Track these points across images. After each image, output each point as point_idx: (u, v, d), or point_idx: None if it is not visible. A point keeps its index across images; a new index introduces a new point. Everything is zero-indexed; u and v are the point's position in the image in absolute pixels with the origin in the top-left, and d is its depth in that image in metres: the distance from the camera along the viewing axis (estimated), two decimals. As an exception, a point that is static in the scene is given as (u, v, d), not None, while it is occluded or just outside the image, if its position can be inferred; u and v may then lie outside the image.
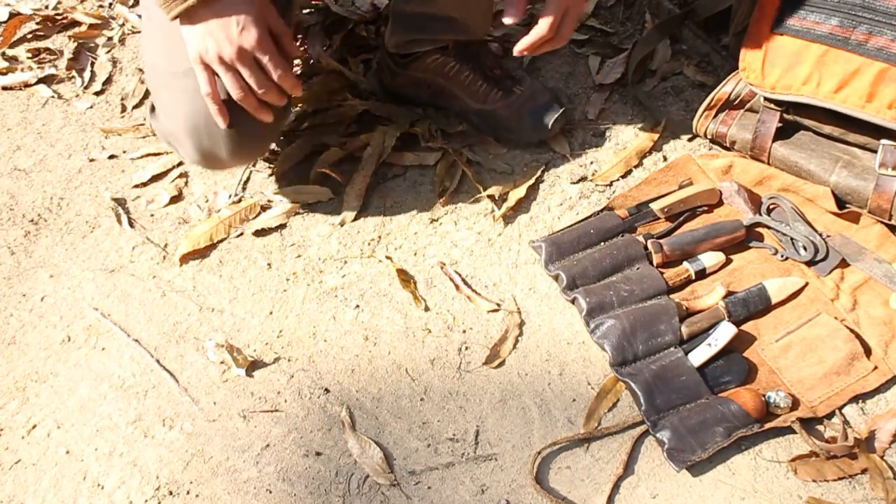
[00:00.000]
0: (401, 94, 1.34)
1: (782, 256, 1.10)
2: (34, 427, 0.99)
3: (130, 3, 1.56)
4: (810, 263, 1.09)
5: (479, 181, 1.22)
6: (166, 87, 1.05)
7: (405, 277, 1.13)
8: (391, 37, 1.26)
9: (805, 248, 1.09)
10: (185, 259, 1.16)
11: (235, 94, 0.99)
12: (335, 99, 1.33)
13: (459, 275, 1.13)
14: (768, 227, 1.13)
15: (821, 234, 1.11)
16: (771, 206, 1.15)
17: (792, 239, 1.11)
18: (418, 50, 1.25)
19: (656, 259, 1.10)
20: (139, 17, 1.53)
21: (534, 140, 1.27)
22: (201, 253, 1.17)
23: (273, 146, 1.26)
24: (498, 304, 1.10)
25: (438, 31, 1.22)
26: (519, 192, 1.21)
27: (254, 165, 1.27)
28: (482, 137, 1.29)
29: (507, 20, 1.03)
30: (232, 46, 0.96)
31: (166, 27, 1.00)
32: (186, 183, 1.27)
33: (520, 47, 1.06)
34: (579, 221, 1.16)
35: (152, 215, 1.22)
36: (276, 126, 1.10)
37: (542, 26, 1.03)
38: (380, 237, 1.18)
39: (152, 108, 1.14)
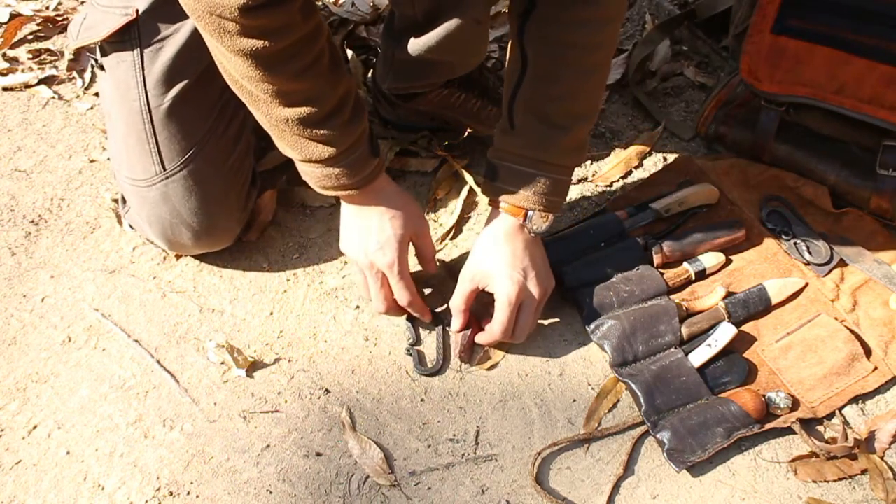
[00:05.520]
0: (402, 125, 1.27)
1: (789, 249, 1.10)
2: (35, 428, 0.99)
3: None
4: (809, 263, 1.09)
5: (480, 185, 1.22)
6: (130, 192, 1.07)
7: (405, 278, 1.13)
8: (384, 80, 1.19)
9: (810, 252, 1.09)
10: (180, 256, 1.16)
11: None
12: None
13: (460, 275, 1.13)
14: (770, 230, 1.13)
15: (820, 236, 1.11)
16: (771, 208, 1.15)
17: (795, 243, 1.11)
18: (416, 91, 1.19)
19: (656, 260, 1.10)
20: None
21: None
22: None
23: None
24: (498, 305, 1.09)
25: (434, 75, 1.15)
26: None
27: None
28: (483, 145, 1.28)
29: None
30: (365, 259, 0.98)
31: (123, 132, 1.02)
32: (187, 184, 1.26)
33: (481, 340, 1.01)
34: (579, 222, 1.16)
35: (153, 216, 1.21)
36: (241, 217, 1.12)
37: (495, 328, 0.96)
38: (380, 238, 1.18)
39: (123, 200, 1.14)
